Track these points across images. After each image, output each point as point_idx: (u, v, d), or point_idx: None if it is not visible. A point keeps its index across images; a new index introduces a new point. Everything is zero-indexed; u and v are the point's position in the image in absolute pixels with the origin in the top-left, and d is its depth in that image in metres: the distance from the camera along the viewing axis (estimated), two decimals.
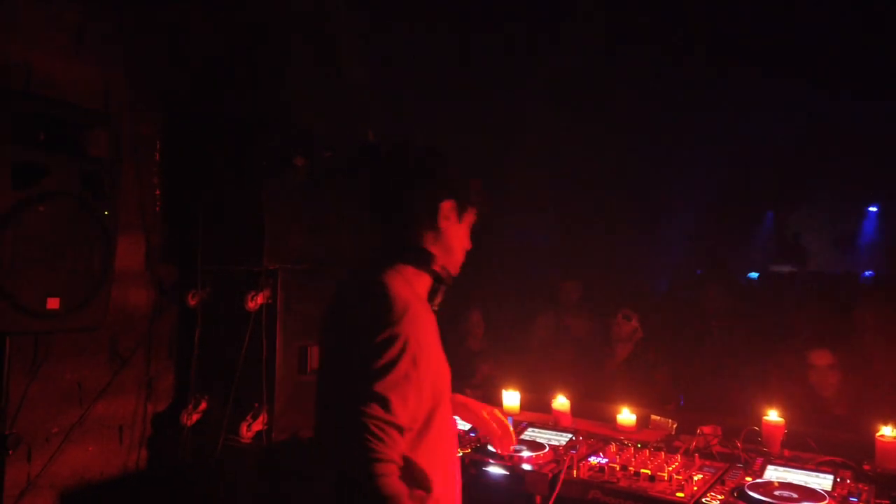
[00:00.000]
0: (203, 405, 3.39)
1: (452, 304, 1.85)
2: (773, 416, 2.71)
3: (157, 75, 3.44)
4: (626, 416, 2.99)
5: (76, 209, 2.51)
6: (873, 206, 9.47)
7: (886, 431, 2.56)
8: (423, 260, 1.70)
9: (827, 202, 9.76)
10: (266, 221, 3.16)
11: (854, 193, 9.34)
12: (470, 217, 1.77)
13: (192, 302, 3.39)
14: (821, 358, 3.13)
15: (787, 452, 2.60)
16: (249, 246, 3.22)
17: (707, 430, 2.75)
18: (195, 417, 3.36)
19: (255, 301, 3.20)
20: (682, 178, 8.13)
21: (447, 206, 1.71)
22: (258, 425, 3.18)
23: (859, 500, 2.07)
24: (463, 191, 1.74)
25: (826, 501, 2.00)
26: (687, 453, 2.50)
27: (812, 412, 3.10)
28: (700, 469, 2.36)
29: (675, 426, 2.95)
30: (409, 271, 1.70)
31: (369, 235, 1.77)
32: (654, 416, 3.06)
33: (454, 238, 1.74)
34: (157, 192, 3.50)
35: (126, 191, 3.23)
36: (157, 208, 3.49)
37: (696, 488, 2.16)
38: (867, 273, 7.09)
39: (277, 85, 3.45)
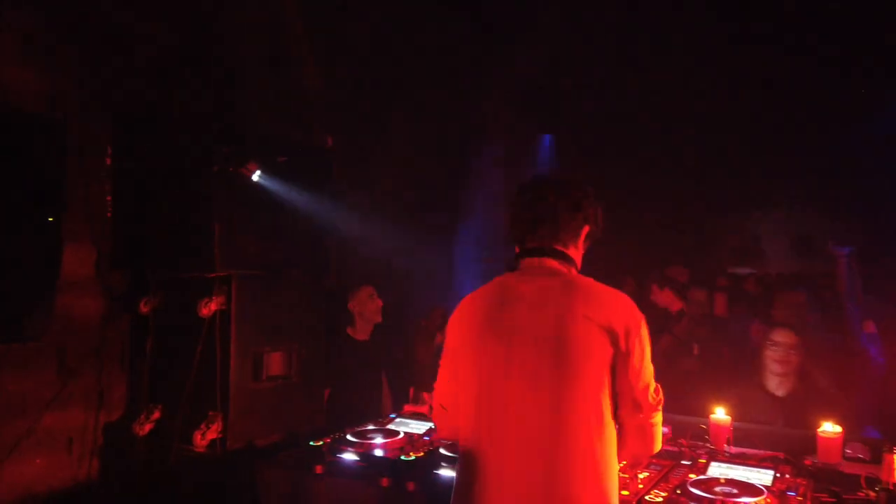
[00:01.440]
0: (156, 414, 3.34)
1: None
2: (719, 414, 2.77)
3: (107, 80, 3.38)
4: None
5: (17, 216, 2.46)
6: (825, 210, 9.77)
7: (827, 427, 2.64)
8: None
9: (785, 205, 10.02)
10: (217, 227, 3.13)
11: (811, 197, 9.60)
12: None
13: (144, 309, 3.34)
14: (785, 337, 3.24)
15: (732, 449, 2.66)
16: (202, 252, 3.18)
17: None
18: (148, 427, 3.30)
19: (209, 308, 3.16)
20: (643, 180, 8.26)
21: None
22: (212, 434, 3.14)
23: (797, 494, 2.12)
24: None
25: (764, 496, 2.05)
26: None
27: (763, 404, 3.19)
28: (647, 467, 2.40)
29: None
30: None
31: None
32: None
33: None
34: (108, 198, 3.44)
35: (74, 197, 3.18)
36: (108, 214, 3.43)
37: (641, 486, 2.20)
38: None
39: (231, 89, 3.43)
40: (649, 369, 1.82)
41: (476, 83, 5.75)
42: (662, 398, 1.86)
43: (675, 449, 2.63)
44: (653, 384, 1.84)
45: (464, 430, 1.88)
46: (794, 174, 9.24)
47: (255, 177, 3.23)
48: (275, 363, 3.42)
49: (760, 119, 7.66)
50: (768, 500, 2.04)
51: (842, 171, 8.70)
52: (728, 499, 2.04)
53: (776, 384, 3.20)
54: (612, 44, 5.74)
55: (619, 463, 1.88)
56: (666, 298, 4.73)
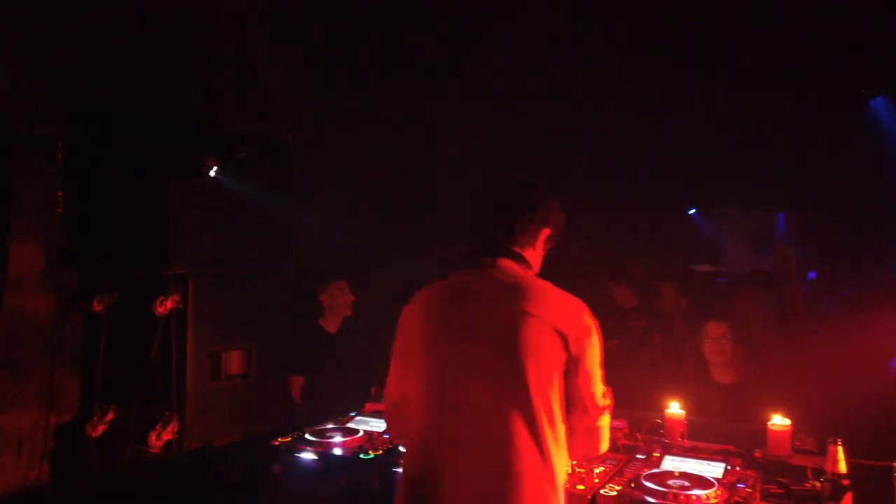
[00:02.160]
0: (110, 415, 3.27)
1: None
2: (674, 408, 2.82)
3: (59, 76, 3.29)
4: None
5: None
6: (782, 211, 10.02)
7: (776, 420, 2.71)
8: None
9: (742, 203, 10.26)
10: (173, 224, 3.08)
11: (767, 195, 9.83)
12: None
13: (97, 308, 3.27)
14: (715, 329, 3.36)
15: (686, 443, 2.71)
16: (157, 249, 3.13)
17: (614, 423, 2.84)
18: (101, 428, 3.23)
19: (165, 306, 3.11)
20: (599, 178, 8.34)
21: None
22: (168, 434, 3.09)
23: (746, 486, 2.17)
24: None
25: (715, 488, 2.10)
26: None
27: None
28: (603, 462, 2.43)
29: None
30: None
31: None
32: None
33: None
34: (60, 193, 3.35)
35: (22, 193, 3.08)
36: (60, 211, 3.34)
37: (596, 480, 2.23)
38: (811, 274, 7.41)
39: (187, 84, 3.36)
40: (599, 373, 1.84)
41: (442, 81, 5.74)
42: (611, 401, 1.88)
43: (631, 443, 2.67)
44: (601, 388, 1.85)
45: (413, 428, 1.87)
46: (753, 172, 9.45)
47: (213, 173, 3.18)
48: (233, 362, 3.38)
49: (721, 118, 7.81)
50: (719, 492, 2.08)
51: (800, 170, 8.94)
52: (680, 491, 2.08)
53: (720, 374, 3.32)
54: (573, 45, 5.79)
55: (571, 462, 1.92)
56: (622, 295, 4.80)
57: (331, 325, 4.08)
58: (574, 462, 2.29)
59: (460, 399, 1.78)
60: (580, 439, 1.86)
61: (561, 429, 1.79)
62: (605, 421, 1.88)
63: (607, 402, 1.87)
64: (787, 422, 2.70)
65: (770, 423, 2.71)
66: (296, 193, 3.96)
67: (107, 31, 3.41)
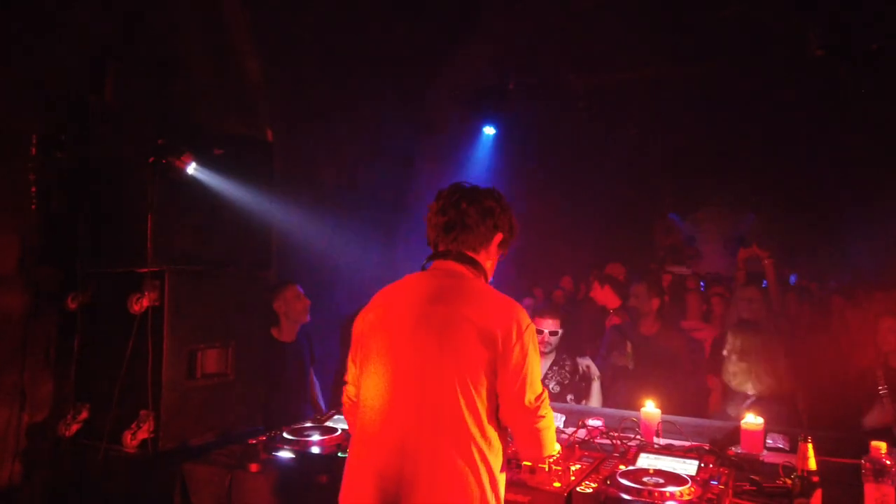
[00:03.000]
0: (84, 414, 3.22)
1: None
2: (650, 407, 2.86)
3: (33, 66, 3.24)
4: None
5: None
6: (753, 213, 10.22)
7: (749, 419, 2.76)
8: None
9: (718, 206, 10.43)
10: (151, 220, 3.04)
11: (742, 198, 10.01)
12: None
13: (72, 305, 3.22)
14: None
15: (661, 441, 2.75)
16: (134, 246, 3.09)
17: (591, 422, 2.87)
18: (75, 427, 3.18)
19: (141, 304, 3.06)
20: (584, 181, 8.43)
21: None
22: (143, 433, 3.04)
23: (719, 483, 2.21)
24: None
25: (689, 485, 2.13)
26: (569, 446, 2.60)
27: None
28: (580, 459, 2.46)
29: (563, 419, 3.06)
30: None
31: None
32: None
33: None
34: (34, 189, 3.29)
35: None
36: (34, 207, 3.29)
37: (573, 478, 2.25)
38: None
39: (166, 78, 3.33)
40: (531, 375, 1.87)
41: (422, 80, 5.75)
42: (544, 404, 1.91)
43: (607, 441, 2.70)
44: (534, 391, 1.88)
45: (361, 420, 1.95)
46: (729, 178, 9.62)
47: (191, 169, 3.14)
48: (210, 361, 3.33)
49: (700, 124, 7.93)
50: (692, 489, 2.12)
51: (773, 175, 9.11)
52: (655, 488, 2.11)
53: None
54: (557, 45, 5.84)
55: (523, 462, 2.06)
56: (606, 295, 4.85)
57: (286, 334, 3.95)
58: (551, 459, 2.31)
59: (405, 395, 1.87)
60: (519, 441, 1.93)
61: (490, 429, 1.85)
62: (544, 424, 1.90)
63: (540, 404, 1.89)
64: (760, 420, 2.76)
65: (743, 421, 2.76)
66: (276, 192, 3.93)
67: (88, 25, 3.37)
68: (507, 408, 1.87)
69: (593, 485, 2.19)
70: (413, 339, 1.89)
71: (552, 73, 5.91)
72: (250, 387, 3.56)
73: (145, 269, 3.07)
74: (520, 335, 1.84)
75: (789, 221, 8.94)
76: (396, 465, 1.82)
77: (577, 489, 2.16)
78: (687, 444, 2.68)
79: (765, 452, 2.74)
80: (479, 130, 6.51)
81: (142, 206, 3.07)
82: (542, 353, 3.71)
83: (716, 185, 9.82)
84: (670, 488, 2.10)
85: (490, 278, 2.11)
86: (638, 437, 2.81)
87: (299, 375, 4.02)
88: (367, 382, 1.97)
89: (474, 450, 1.80)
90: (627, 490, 2.12)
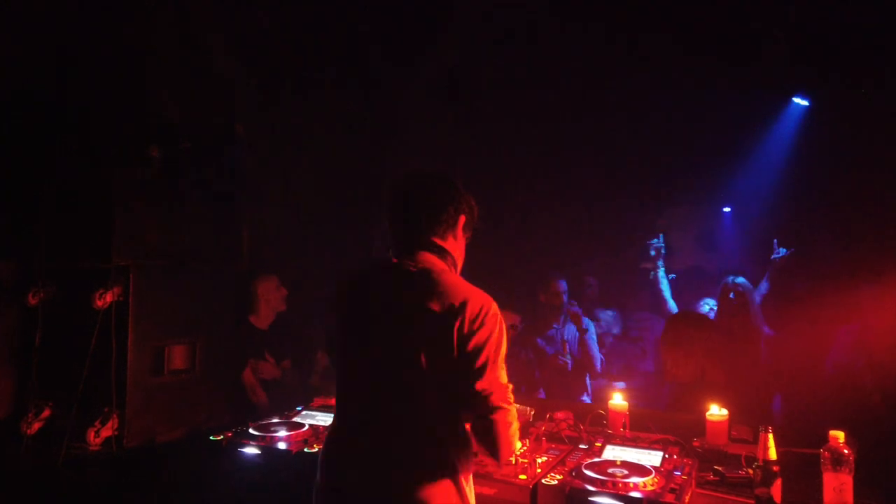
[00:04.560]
0: (46, 412, 3.16)
1: None
2: (617, 399, 2.88)
3: None
4: None
5: None
6: (727, 207, 10.31)
7: (714, 411, 2.79)
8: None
9: (689, 202, 10.52)
10: (115, 214, 2.99)
11: (713, 194, 10.10)
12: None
13: (32, 301, 3.15)
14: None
15: (628, 433, 2.77)
16: (98, 240, 3.03)
17: (559, 415, 2.88)
18: (37, 426, 3.12)
19: (104, 299, 3.01)
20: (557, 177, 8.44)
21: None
22: (107, 431, 3.00)
23: (682, 473, 2.24)
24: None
25: (652, 475, 2.15)
26: (537, 439, 2.61)
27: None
28: (546, 452, 2.47)
29: (532, 412, 3.07)
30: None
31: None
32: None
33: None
34: None
35: None
36: None
37: (539, 470, 2.26)
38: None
39: (133, 70, 3.26)
40: (494, 370, 1.81)
41: (396, 73, 5.72)
42: (508, 401, 1.83)
43: (574, 434, 2.71)
44: (498, 386, 1.81)
45: (336, 413, 1.98)
46: (699, 173, 9.70)
47: (157, 163, 3.10)
48: (177, 356, 3.29)
49: (671, 118, 7.99)
50: (656, 479, 2.14)
51: (741, 170, 9.22)
52: (619, 479, 2.12)
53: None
54: (527, 40, 5.84)
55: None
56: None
57: (263, 321, 4.03)
58: (518, 453, 2.32)
59: (362, 387, 1.89)
60: (479, 437, 1.84)
61: (453, 424, 1.85)
62: (506, 419, 1.81)
63: (503, 401, 1.82)
64: (725, 412, 2.79)
65: (708, 413, 2.79)
66: (247, 186, 3.89)
67: (54, 14, 3.29)
68: (472, 403, 1.81)
69: (559, 476, 2.20)
70: (382, 333, 1.88)
71: (522, 67, 5.92)
72: (219, 382, 3.53)
73: (109, 264, 3.02)
74: (486, 325, 1.80)
75: (762, 217, 9.04)
76: (373, 458, 1.82)
77: (543, 481, 2.17)
78: (654, 436, 2.70)
79: (729, 444, 2.77)
80: (454, 127, 6.49)
81: (107, 200, 3.01)
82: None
83: (686, 178, 9.89)
84: (634, 479, 2.12)
85: (460, 266, 2.08)
86: (606, 429, 2.83)
87: (274, 364, 4.03)
88: (341, 377, 1.98)
89: (445, 444, 1.80)
90: (592, 481, 2.13)
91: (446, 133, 6.32)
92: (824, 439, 2.15)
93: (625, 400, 2.88)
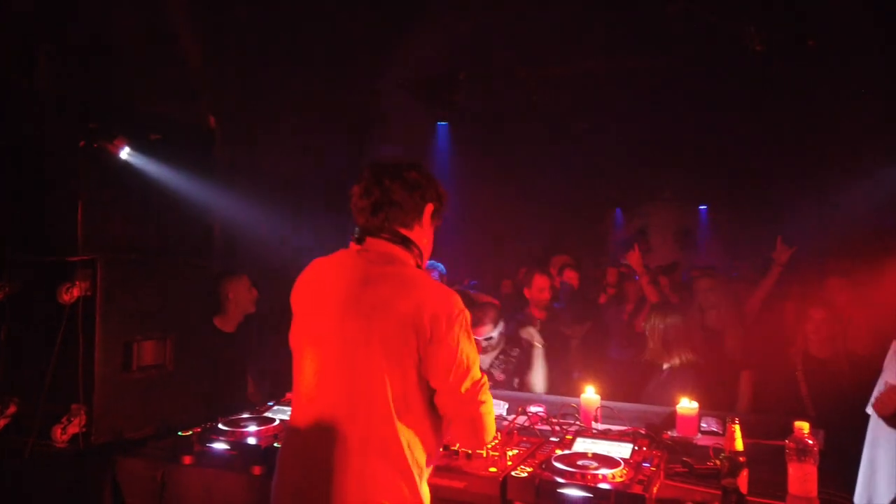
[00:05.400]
0: (12, 408, 3.09)
1: None
2: (589, 393, 2.90)
3: None
4: None
5: None
6: (702, 206, 10.47)
7: (685, 404, 2.82)
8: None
9: (668, 200, 10.64)
10: (81, 206, 2.93)
11: (690, 192, 10.23)
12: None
13: None
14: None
15: (599, 426, 2.79)
16: (64, 233, 2.97)
17: (531, 409, 2.89)
18: (2, 423, 3.05)
19: (71, 293, 2.95)
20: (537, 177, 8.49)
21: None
22: (74, 428, 2.94)
23: (651, 465, 2.25)
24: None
25: (621, 467, 2.17)
26: (509, 432, 2.61)
27: None
28: (518, 445, 2.48)
29: (506, 407, 3.08)
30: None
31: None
32: None
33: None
34: None
35: None
36: None
37: (509, 463, 2.27)
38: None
39: (99, 59, 3.21)
40: (466, 362, 1.83)
41: (372, 69, 5.69)
42: (483, 390, 1.87)
43: (546, 427, 2.72)
44: (471, 377, 1.84)
45: (294, 408, 1.94)
46: (678, 171, 9.81)
47: (124, 154, 3.04)
48: (147, 352, 3.24)
49: (650, 117, 8.05)
50: (625, 471, 2.15)
51: (720, 169, 9.33)
52: (588, 471, 2.13)
53: None
54: (508, 36, 5.84)
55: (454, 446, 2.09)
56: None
57: (229, 323, 3.93)
58: (490, 446, 2.32)
59: (335, 385, 1.85)
60: (458, 429, 1.88)
61: (422, 419, 1.83)
62: (484, 409, 1.86)
63: (476, 392, 1.85)
64: (695, 405, 2.82)
65: (678, 406, 2.82)
66: (219, 180, 3.84)
67: (6, 4, 3.22)
68: (444, 397, 1.83)
69: (529, 469, 2.20)
70: (342, 327, 1.85)
71: (501, 64, 5.92)
72: (191, 378, 3.48)
73: (76, 258, 2.96)
74: (451, 323, 1.80)
75: (736, 214, 9.17)
76: (326, 456, 1.79)
77: (513, 473, 2.17)
78: (625, 428, 2.72)
79: (699, 436, 2.80)
80: (431, 121, 6.49)
81: (72, 192, 2.95)
82: (487, 350, 3.73)
83: (665, 178, 10.01)
84: (603, 470, 2.13)
85: (427, 256, 2.06)
86: (577, 422, 2.84)
87: (235, 366, 3.96)
88: (299, 370, 1.95)
89: (403, 442, 1.78)
90: (562, 473, 2.14)
91: (426, 130, 6.31)
92: (790, 430, 2.18)
93: (597, 393, 2.90)
